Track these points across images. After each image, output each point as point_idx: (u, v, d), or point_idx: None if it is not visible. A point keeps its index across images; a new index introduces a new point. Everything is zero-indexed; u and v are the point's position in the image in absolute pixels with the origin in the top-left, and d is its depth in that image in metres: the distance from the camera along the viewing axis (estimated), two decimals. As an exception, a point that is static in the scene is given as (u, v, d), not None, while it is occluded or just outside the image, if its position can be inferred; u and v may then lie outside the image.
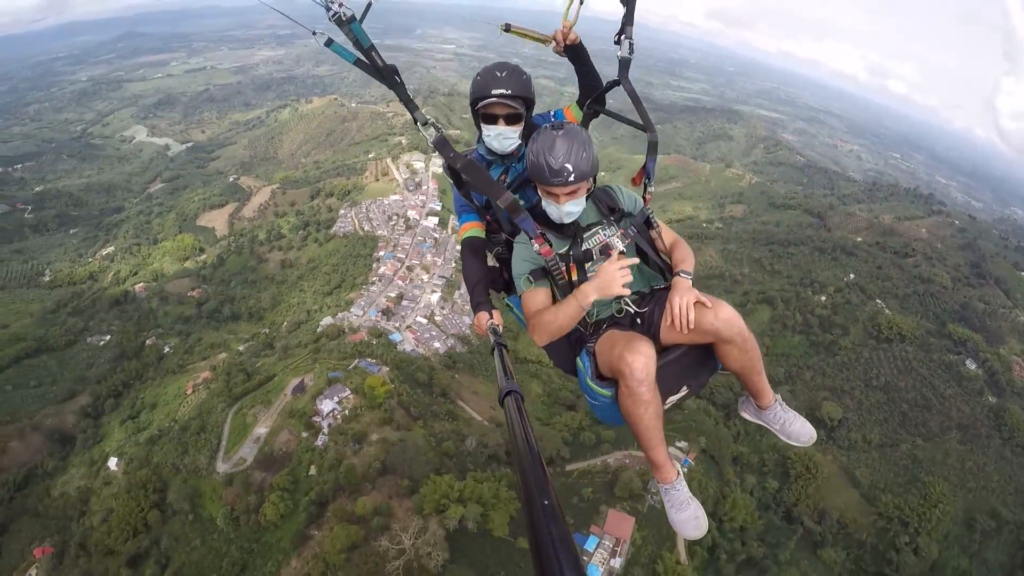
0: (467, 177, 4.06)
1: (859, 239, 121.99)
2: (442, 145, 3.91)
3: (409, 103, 3.86)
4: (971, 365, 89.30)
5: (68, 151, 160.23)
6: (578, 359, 4.17)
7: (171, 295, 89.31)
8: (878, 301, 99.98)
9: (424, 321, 79.70)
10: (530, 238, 3.92)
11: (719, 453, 68.80)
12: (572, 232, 4.06)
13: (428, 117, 3.87)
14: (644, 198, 4.28)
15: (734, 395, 73.74)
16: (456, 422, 62.92)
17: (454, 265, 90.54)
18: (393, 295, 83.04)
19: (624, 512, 56.22)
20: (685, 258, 4.11)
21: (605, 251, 4.03)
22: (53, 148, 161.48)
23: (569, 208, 3.93)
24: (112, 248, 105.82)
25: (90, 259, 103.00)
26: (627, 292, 3.68)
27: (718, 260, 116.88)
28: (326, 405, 58.36)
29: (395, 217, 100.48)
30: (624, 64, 4.52)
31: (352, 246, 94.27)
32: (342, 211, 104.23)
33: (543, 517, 1.63)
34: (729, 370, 4.03)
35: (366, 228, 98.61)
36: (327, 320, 77.68)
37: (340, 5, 3.44)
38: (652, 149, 4.32)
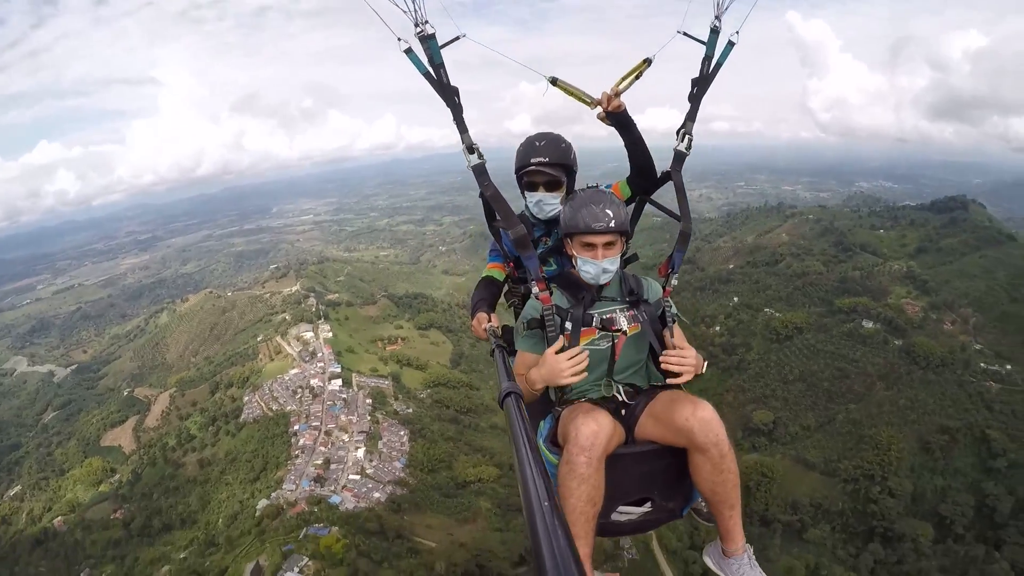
0: (493, 205, 4.24)
1: (731, 266, 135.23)
2: (480, 172, 4.13)
3: (461, 125, 4.08)
4: (868, 324, 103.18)
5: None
6: (542, 421, 4.13)
7: (94, 522, 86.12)
8: (767, 310, 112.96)
9: (357, 477, 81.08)
10: (532, 279, 4.01)
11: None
12: (583, 297, 4.09)
13: (474, 142, 4.10)
14: (664, 289, 4.30)
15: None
16: (419, 556, 64.69)
17: (368, 419, 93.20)
18: (319, 462, 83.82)
19: (606, 571, 60.51)
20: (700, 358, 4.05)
21: (607, 324, 3.99)
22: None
23: (607, 265, 3.97)
24: (19, 487, 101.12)
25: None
26: (575, 380, 3.64)
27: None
28: (290, 578, 58.58)
29: (300, 390, 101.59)
30: (679, 157, 4.66)
31: (266, 428, 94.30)
32: (246, 398, 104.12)
33: (543, 518, 1.65)
34: (700, 493, 3.77)
35: (274, 408, 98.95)
36: (263, 502, 77.24)
37: (426, 23, 3.85)
38: (682, 240, 4.40)
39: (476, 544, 66.88)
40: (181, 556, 74.98)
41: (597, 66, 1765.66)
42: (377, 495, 77.69)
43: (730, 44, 4.67)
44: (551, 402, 4.08)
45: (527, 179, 4.72)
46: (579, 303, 4.05)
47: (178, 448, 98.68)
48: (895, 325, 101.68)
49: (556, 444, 3.71)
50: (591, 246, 3.95)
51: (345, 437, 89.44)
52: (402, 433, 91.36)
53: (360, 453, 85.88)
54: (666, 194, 4.93)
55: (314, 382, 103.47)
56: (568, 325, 3.93)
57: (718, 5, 4.59)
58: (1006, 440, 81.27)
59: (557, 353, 3.69)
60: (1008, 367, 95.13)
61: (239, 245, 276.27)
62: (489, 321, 4.67)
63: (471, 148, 4.10)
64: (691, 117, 4.64)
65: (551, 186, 4.72)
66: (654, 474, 3.81)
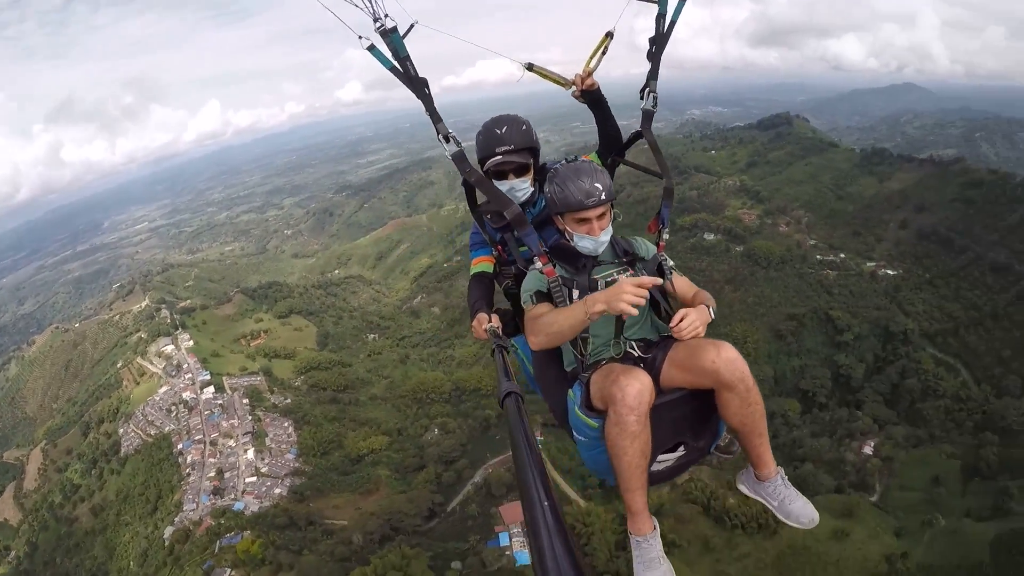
0: (481, 190, 4.32)
1: None
2: (460, 160, 4.11)
3: (434, 115, 4.10)
4: (709, 236, 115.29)
5: None
6: (570, 390, 4.04)
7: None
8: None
9: (254, 479, 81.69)
10: (534, 255, 4.02)
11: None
12: (583, 264, 4.14)
13: (449, 130, 4.10)
14: (658, 245, 4.40)
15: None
16: (335, 535, 67.30)
17: (250, 419, 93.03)
18: (213, 474, 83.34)
19: (511, 501, 65.69)
20: (708, 300, 4.05)
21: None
22: None
23: (603, 237, 4.02)
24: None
25: None
26: (633, 311, 3.38)
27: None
28: (216, 593, 59.18)
29: (174, 407, 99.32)
30: (647, 116, 4.78)
31: (150, 455, 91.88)
32: (121, 430, 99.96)
33: (543, 518, 1.66)
34: (728, 427, 3.95)
35: (153, 432, 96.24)
36: (169, 530, 76.17)
37: (386, 17, 3.78)
38: (668, 195, 4.50)
39: (384, 510, 69.92)
40: (105, 611, 74.13)
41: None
42: (278, 491, 79.03)
43: (682, 0, 4.73)
44: (565, 377, 4.22)
45: (494, 169, 4.61)
46: (580, 271, 4.13)
47: (66, 503, 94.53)
48: (734, 234, 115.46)
49: (591, 408, 3.81)
50: (586, 221, 3.99)
51: (231, 443, 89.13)
52: (286, 424, 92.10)
53: (250, 454, 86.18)
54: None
55: (186, 395, 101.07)
56: (576, 293, 4.02)
57: None
58: (848, 317, 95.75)
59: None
60: (841, 255, 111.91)
61: (76, 270, 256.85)
62: (490, 321, 4.61)
63: (447, 137, 4.13)
64: (653, 75, 4.76)
65: (520, 171, 4.66)
66: (685, 418, 3.94)
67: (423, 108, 4.10)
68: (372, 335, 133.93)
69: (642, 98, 4.77)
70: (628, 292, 3.35)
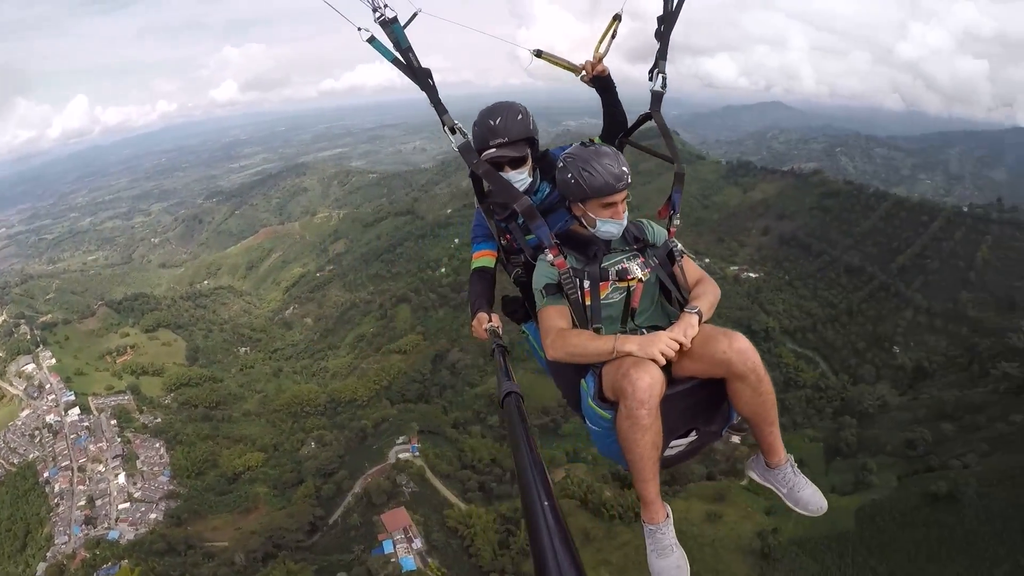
0: (488, 182, 4.27)
1: (448, 211, 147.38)
2: (466, 151, 4.12)
3: (439, 106, 4.08)
4: None
5: None
6: (583, 380, 4.01)
7: None
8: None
9: (127, 505, 79.50)
10: (545, 247, 3.98)
11: (435, 423, 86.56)
12: (593, 253, 4.06)
13: (456, 122, 4.10)
14: (669, 231, 4.31)
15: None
16: (215, 557, 66.83)
17: (119, 441, 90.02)
18: (83, 503, 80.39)
19: (392, 509, 67.22)
20: (700, 295, 4.01)
21: (623, 275, 4.00)
22: None
23: (625, 220, 4.04)
24: None
25: None
26: (662, 361, 3.50)
27: (343, 295, 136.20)
28: (94, 631, 58.27)
29: (37, 431, 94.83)
30: (656, 97, 4.67)
31: (13, 486, 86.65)
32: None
33: (543, 518, 1.66)
34: (741, 415, 3.93)
35: (16, 460, 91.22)
36: (41, 566, 72.74)
37: (385, 7, 3.70)
38: (678, 180, 4.40)
39: (265, 528, 70.06)
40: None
41: None
42: (153, 516, 77.43)
43: None
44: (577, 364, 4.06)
45: (490, 162, 4.38)
46: (591, 260, 4.04)
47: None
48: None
49: (603, 399, 3.77)
50: (612, 205, 3.94)
51: (101, 468, 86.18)
52: (158, 445, 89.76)
53: (121, 479, 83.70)
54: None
55: (50, 418, 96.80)
56: (587, 284, 3.94)
57: None
58: (713, 317, 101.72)
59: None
60: (706, 260, 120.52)
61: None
62: (490, 320, 4.50)
63: (453, 128, 4.10)
64: (662, 55, 4.65)
65: (516, 163, 4.46)
66: (697, 406, 3.93)
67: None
68: (243, 348, 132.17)
69: (651, 79, 4.70)
70: (663, 344, 3.52)
